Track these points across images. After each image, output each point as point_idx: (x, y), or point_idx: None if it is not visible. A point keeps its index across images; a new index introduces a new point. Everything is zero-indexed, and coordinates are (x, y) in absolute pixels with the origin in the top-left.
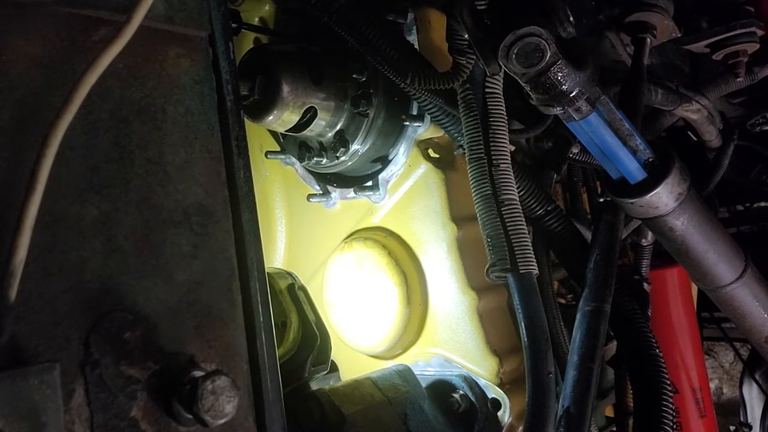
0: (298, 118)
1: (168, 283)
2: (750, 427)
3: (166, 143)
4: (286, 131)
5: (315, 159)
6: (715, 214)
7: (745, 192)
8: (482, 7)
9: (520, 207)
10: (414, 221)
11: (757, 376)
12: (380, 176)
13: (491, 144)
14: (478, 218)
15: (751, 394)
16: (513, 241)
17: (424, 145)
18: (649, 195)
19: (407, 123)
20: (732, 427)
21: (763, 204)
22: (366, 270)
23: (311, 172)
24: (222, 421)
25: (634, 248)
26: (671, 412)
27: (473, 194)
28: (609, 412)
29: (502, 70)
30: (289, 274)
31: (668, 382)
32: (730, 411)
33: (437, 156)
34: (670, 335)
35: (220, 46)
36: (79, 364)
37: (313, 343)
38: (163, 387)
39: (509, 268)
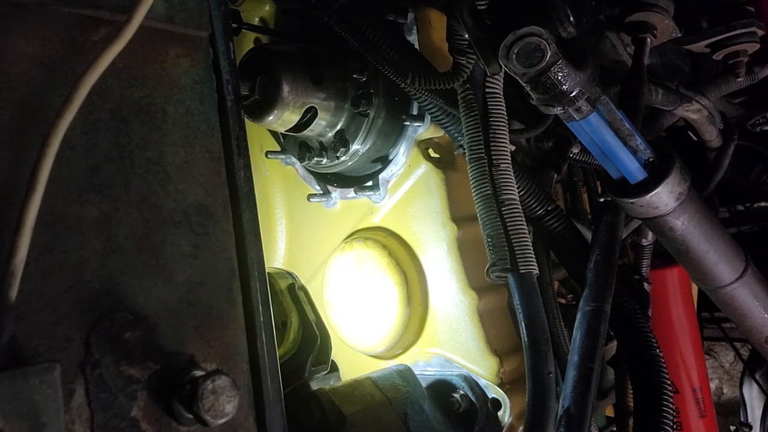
0: (298, 118)
1: (168, 283)
2: (750, 427)
3: (166, 143)
4: (286, 131)
5: (315, 159)
6: (716, 214)
7: (745, 192)
8: (482, 7)
9: (520, 207)
10: (414, 221)
11: (757, 376)
12: (380, 176)
13: (491, 144)
14: (479, 218)
15: (752, 394)
16: (513, 241)
17: (424, 145)
18: (650, 195)
19: (407, 123)
20: (732, 427)
21: (763, 204)
22: (366, 270)
23: (311, 172)
24: (222, 420)
25: (634, 248)
26: (671, 412)
27: (473, 194)
28: (609, 412)
29: (503, 70)
30: (290, 274)
31: (668, 382)
32: (730, 411)
33: (437, 156)
34: (670, 335)
35: (221, 46)
36: (79, 364)
37: (313, 343)
38: (164, 387)
39: (509, 268)
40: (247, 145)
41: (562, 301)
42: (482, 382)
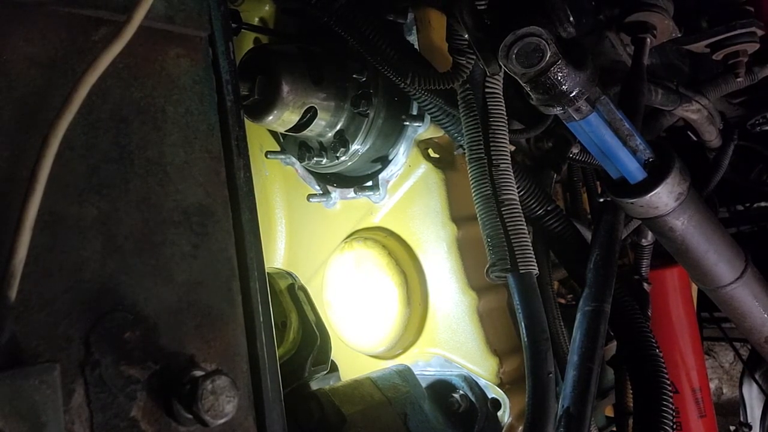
0: (298, 118)
1: (168, 283)
2: (750, 427)
3: (166, 143)
4: (286, 131)
5: (315, 159)
6: (716, 214)
7: (745, 192)
8: (482, 7)
9: (520, 207)
10: (414, 221)
11: (757, 376)
12: (380, 176)
13: (491, 144)
14: (478, 218)
15: (751, 394)
16: (513, 241)
17: (424, 145)
18: (649, 195)
19: (407, 123)
20: (732, 427)
21: (763, 204)
22: (366, 270)
23: (311, 172)
24: (222, 420)
25: (634, 248)
26: (671, 412)
27: (473, 194)
28: (609, 412)
29: (502, 70)
30: (289, 274)
31: (668, 382)
32: (730, 411)
33: (437, 156)
34: (670, 335)
35: (220, 46)
36: (79, 364)
37: (313, 343)
38: (163, 387)
39: (509, 268)
40: (246, 145)
41: (562, 301)
42: (482, 382)
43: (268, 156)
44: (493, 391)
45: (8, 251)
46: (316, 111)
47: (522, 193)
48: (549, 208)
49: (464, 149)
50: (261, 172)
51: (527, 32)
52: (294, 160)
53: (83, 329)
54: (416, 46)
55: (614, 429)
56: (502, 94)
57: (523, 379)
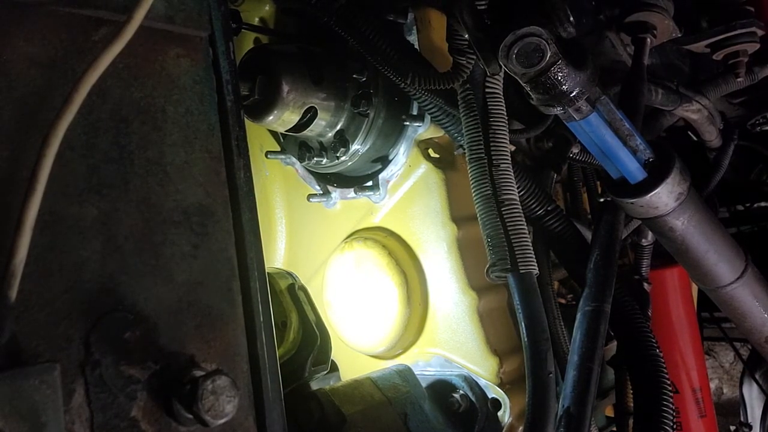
0: (298, 118)
1: (168, 283)
2: (750, 427)
3: (166, 143)
4: (286, 131)
5: (315, 159)
6: (716, 214)
7: (745, 192)
8: (482, 7)
9: (520, 207)
10: (414, 221)
11: (757, 376)
12: (380, 176)
13: (491, 144)
14: (478, 218)
15: (751, 394)
16: (513, 241)
17: (424, 145)
18: (650, 195)
19: (407, 123)
20: (732, 427)
21: (763, 204)
22: (366, 270)
23: (311, 172)
24: (222, 420)
25: (634, 248)
26: (671, 412)
27: (473, 194)
28: (609, 412)
29: (502, 70)
30: (290, 274)
31: (668, 382)
32: (730, 411)
33: (437, 156)
34: (670, 335)
35: (220, 46)
36: (79, 364)
37: (313, 343)
38: (163, 387)
39: (509, 268)
40: (247, 145)
41: (562, 301)
42: (482, 382)
43: (268, 156)
44: (494, 391)
45: (8, 251)
46: (316, 111)
47: (522, 193)
48: (549, 208)
49: (464, 149)
50: (261, 172)
51: (527, 32)
52: (294, 160)
53: (83, 329)
54: (416, 46)
55: (614, 429)
56: (502, 94)
57: (524, 379)
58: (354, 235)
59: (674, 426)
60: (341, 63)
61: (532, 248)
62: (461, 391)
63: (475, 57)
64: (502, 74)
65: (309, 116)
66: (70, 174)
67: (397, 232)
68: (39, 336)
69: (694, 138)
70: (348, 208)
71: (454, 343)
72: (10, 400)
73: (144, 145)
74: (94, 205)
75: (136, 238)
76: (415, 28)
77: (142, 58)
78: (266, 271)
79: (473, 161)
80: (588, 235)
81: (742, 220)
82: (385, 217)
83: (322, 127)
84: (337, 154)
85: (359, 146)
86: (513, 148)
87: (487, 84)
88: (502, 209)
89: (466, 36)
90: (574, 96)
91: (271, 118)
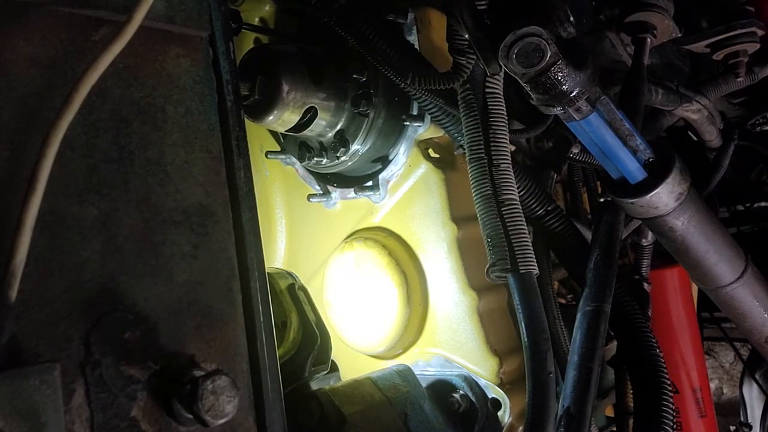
0: (298, 118)
1: (168, 283)
2: (750, 427)
3: (166, 143)
4: (286, 131)
5: (315, 159)
6: (716, 214)
7: (745, 192)
8: (482, 7)
9: (520, 207)
10: (414, 221)
11: (757, 376)
12: (380, 176)
13: (491, 144)
14: (478, 218)
15: (751, 394)
16: (513, 241)
17: (424, 145)
18: (650, 195)
19: (407, 123)
20: (732, 427)
21: (763, 204)
22: (366, 270)
23: (311, 172)
24: (222, 420)
25: (634, 248)
26: (671, 412)
27: (473, 194)
28: (609, 412)
29: (503, 70)
30: (290, 274)
31: (668, 382)
32: (730, 411)
33: (437, 156)
34: (670, 335)
35: (220, 46)
36: (79, 364)
37: (313, 343)
38: (164, 387)
39: (509, 268)
40: (247, 145)
41: (562, 301)
42: (482, 382)
43: (269, 156)
44: (494, 391)
45: (8, 251)
46: (316, 111)
47: (522, 193)
48: (549, 208)
49: (464, 149)
50: (261, 172)
51: (527, 32)
52: (294, 160)
53: (83, 329)
54: (416, 46)
55: (614, 429)
56: (502, 94)
57: (524, 379)
58: (354, 235)
59: (674, 426)
60: (341, 63)
61: (532, 248)
62: (461, 391)
63: (475, 57)
64: (502, 74)
65: (309, 116)
66: (70, 174)
67: (397, 232)
68: (39, 336)
69: (694, 138)
70: (348, 208)
71: (454, 343)
72: (10, 400)
73: (144, 145)
74: (94, 205)
75: (136, 238)
76: (415, 28)
77: (142, 58)
78: (266, 271)
79: (473, 161)
80: (588, 235)
81: (742, 220)
82: (385, 217)
83: (322, 127)
84: (337, 154)
85: (359, 146)
86: (513, 148)
87: (487, 84)
88: (502, 209)
89: (466, 36)
90: (574, 96)
91: (271, 118)
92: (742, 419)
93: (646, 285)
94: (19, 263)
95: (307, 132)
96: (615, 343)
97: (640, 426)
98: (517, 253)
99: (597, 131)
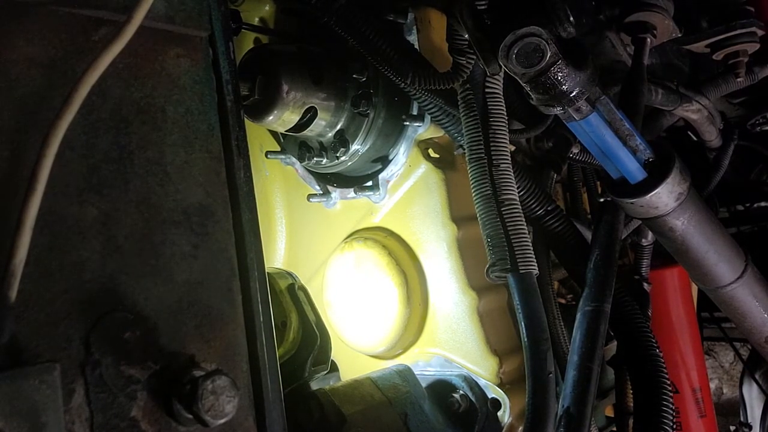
0: (298, 118)
1: (168, 283)
2: (750, 427)
3: (166, 143)
4: (286, 131)
5: (315, 159)
6: (715, 214)
7: (745, 192)
8: (482, 7)
9: (520, 207)
10: (414, 221)
11: (757, 376)
12: (380, 176)
13: (491, 144)
14: (478, 218)
15: (751, 394)
16: (513, 241)
17: (424, 145)
18: (650, 195)
19: (407, 123)
20: (732, 427)
21: (763, 204)
22: (366, 270)
23: (311, 172)
24: (222, 420)
25: (634, 248)
26: (671, 412)
27: (473, 194)
28: (609, 412)
29: (502, 70)
30: (290, 274)
31: (668, 382)
32: (730, 411)
33: (437, 156)
34: (670, 335)
35: (220, 46)
36: (79, 364)
37: (313, 343)
38: (163, 387)
39: (509, 268)
40: (247, 145)
41: (562, 301)
42: (482, 382)
43: (268, 156)
44: (493, 391)
45: (8, 251)
46: (316, 111)
47: (522, 193)
48: (549, 208)
49: (464, 149)
50: (261, 172)
51: (527, 32)
52: (294, 160)
53: (83, 329)
54: (416, 46)
55: (614, 429)
56: (502, 94)
57: (523, 379)
58: (354, 235)
59: (674, 426)
60: (341, 63)
61: (532, 248)
62: (461, 391)
63: (475, 57)
64: (502, 74)
65: (309, 116)
66: (70, 174)
67: (397, 232)
68: (39, 336)
69: (694, 138)
70: (348, 208)
71: (454, 343)
72: (10, 400)
73: (144, 145)
74: (94, 205)
75: (136, 238)
76: (415, 28)
77: (142, 58)
78: (266, 271)
79: (473, 161)
80: (588, 235)
81: (742, 220)
82: (385, 217)
83: (322, 127)
84: (337, 154)
85: (359, 146)
86: (513, 148)
87: (487, 84)
88: (502, 209)
89: (466, 36)
90: (574, 96)
91: (271, 118)
92: (742, 419)
93: (646, 285)
94: (19, 263)
95: (307, 132)
96: (615, 343)
97: (640, 426)
98: (516, 253)
99: (597, 131)
